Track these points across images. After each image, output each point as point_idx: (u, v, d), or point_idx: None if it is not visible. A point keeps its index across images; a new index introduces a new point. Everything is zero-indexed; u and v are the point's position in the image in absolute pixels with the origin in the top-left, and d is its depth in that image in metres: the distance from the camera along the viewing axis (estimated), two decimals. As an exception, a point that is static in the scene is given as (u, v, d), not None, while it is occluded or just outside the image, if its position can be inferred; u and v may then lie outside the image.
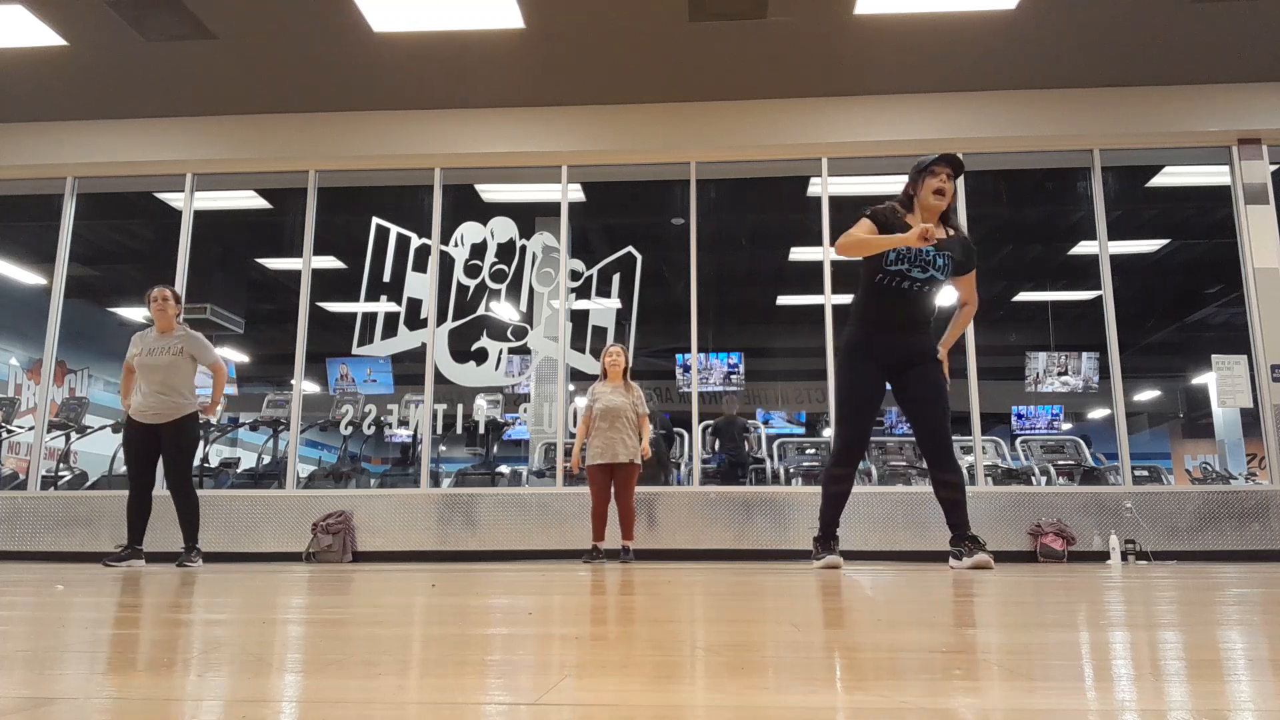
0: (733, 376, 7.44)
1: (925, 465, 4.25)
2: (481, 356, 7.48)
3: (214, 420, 5.34)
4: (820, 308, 7.19)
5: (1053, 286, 9.24)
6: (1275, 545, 6.33)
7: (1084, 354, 7.19)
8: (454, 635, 1.47)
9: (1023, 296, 9.55)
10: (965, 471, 4.72)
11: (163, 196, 7.93)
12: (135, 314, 9.65)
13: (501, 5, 6.02)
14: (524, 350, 7.52)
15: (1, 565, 5.56)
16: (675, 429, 8.39)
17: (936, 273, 4.02)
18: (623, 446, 5.94)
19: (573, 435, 7.14)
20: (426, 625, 1.66)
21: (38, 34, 6.32)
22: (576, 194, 7.71)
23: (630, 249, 7.55)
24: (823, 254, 7.29)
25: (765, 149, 7.35)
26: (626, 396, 6.05)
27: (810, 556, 4.47)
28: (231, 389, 7.68)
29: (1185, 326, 10.28)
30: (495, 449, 8.34)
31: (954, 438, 4.14)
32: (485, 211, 7.75)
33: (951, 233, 4.12)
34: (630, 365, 6.24)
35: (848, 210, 7.43)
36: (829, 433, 7.44)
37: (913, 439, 7.91)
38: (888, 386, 4.20)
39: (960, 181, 7.05)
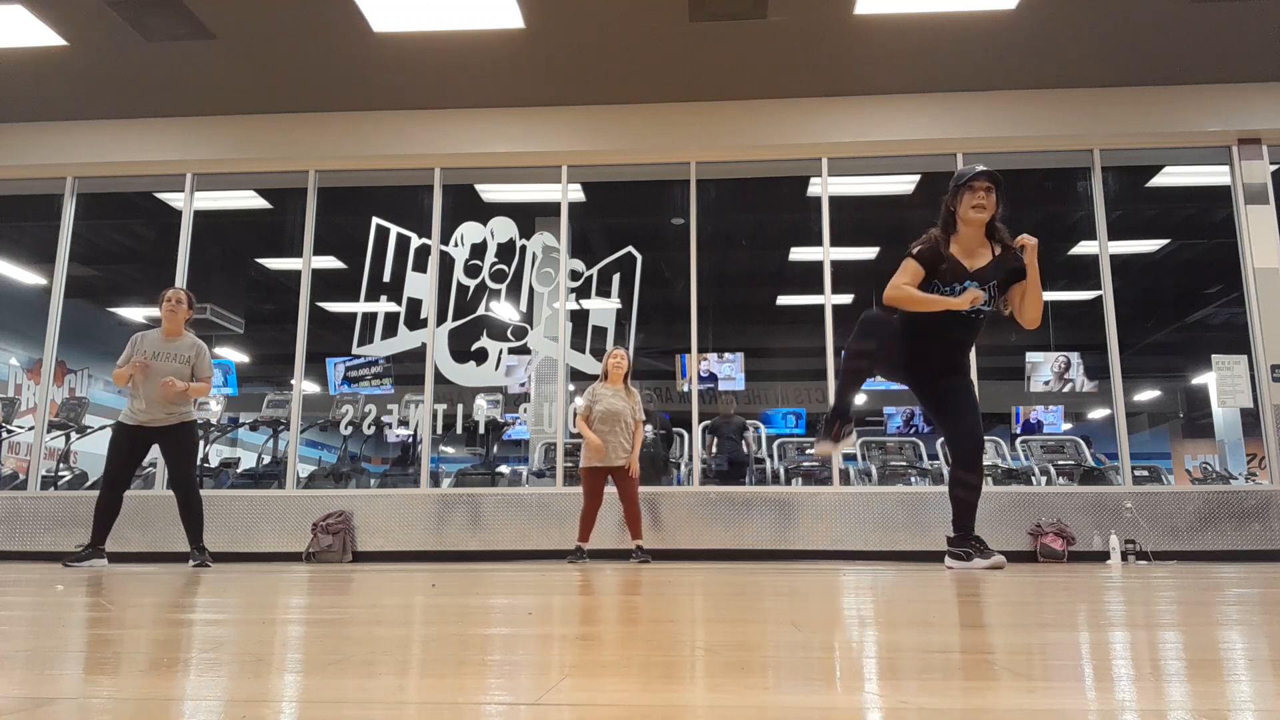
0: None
1: (950, 463, 4.24)
2: (481, 356, 7.48)
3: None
4: (820, 308, 7.19)
5: (1053, 286, 9.23)
6: (1275, 545, 6.32)
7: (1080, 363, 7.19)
8: (454, 635, 1.47)
9: (1023, 296, 9.53)
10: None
11: (163, 196, 7.93)
12: (135, 314, 9.65)
13: (501, 5, 6.02)
14: (524, 350, 7.52)
15: (1, 565, 5.55)
16: (675, 429, 8.38)
17: (983, 306, 3.97)
18: (620, 450, 5.95)
19: (573, 435, 7.13)
20: (426, 625, 1.66)
21: (38, 34, 6.32)
22: (576, 194, 7.70)
23: (630, 249, 7.55)
24: (823, 254, 7.29)
25: (765, 149, 7.35)
26: (626, 401, 6.06)
27: (816, 438, 4.32)
28: (230, 390, 7.68)
29: (1185, 326, 10.27)
30: (495, 449, 8.34)
31: None
32: (485, 211, 7.74)
33: (998, 250, 4.03)
34: (631, 370, 6.24)
35: (848, 210, 7.43)
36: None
37: (913, 439, 7.93)
38: (903, 386, 4.23)
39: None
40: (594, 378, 6.56)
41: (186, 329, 5.44)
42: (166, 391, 5.14)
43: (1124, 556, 6.18)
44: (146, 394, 5.22)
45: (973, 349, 4.23)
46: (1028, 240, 3.96)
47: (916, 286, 3.96)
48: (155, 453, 5.47)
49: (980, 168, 3.99)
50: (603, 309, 7.50)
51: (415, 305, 7.49)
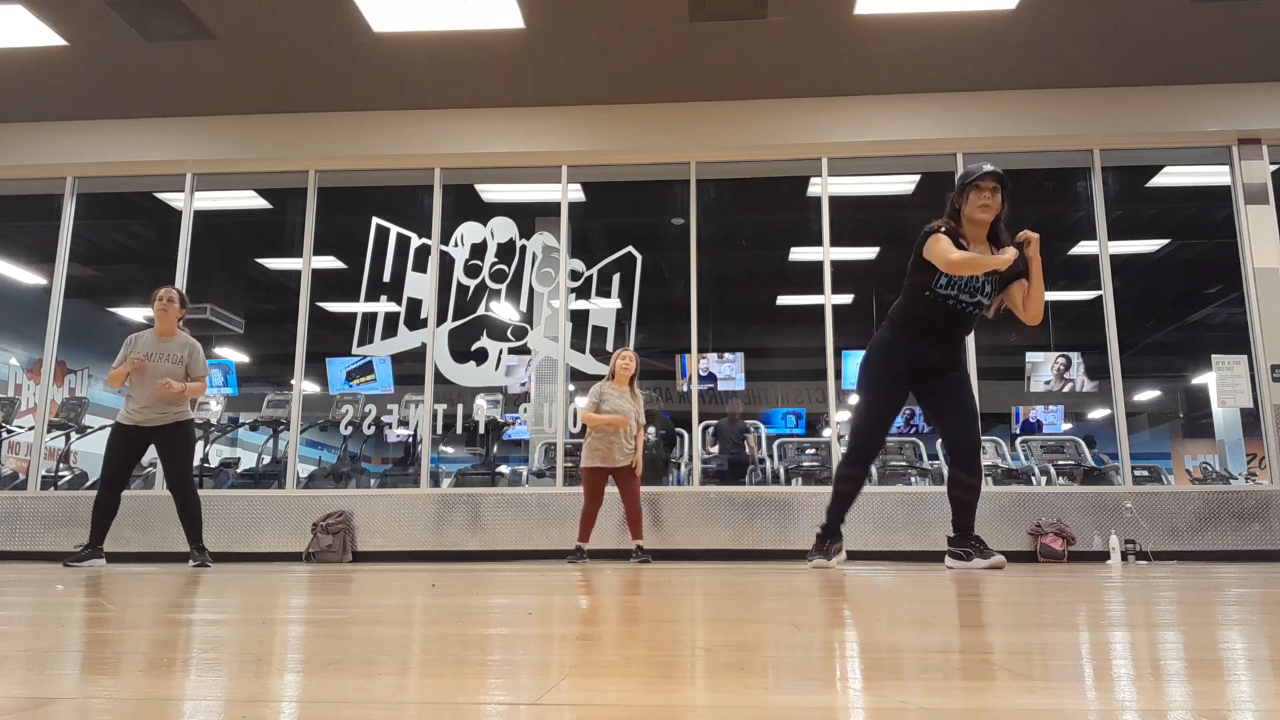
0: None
1: (948, 463, 4.26)
2: (481, 356, 7.48)
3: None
4: (820, 308, 7.19)
5: (1053, 286, 9.23)
6: (1275, 545, 6.32)
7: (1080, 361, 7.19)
8: (454, 635, 1.47)
9: (1023, 296, 9.53)
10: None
11: (163, 196, 7.93)
12: (135, 314, 9.64)
13: (501, 5, 6.02)
14: (524, 350, 7.52)
15: (1, 565, 5.55)
16: (675, 429, 8.38)
17: (983, 298, 4.00)
18: (621, 451, 5.95)
19: (573, 435, 7.13)
20: (426, 625, 1.66)
21: (38, 34, 6.32)
22: (576, 194, 7.71)
23: (630, 249, 7.55)
24: (823, 254, 7.29)
25: (765, 149, 7.35)
26: (632, 404, 6.06)
27: (809, 554, 4.49)
28: (230, 390, 7.68)
29: (1185, 326, 10.27)
30: (495, 449, 8.34)
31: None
32: (485, 211, 7.74)
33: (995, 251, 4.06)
34: (638, 373, 6.23)
35: (848, 210, 7.43)
36: (828, 433, 7.43)
37: (913, 438, 7.92)
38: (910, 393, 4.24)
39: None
40: (594, 378, 6.55)
41: (180, 328, 5.42)
42: (163, 392, 5.14)
43: (1124, 556, 6.18)
44: (141, 394, 5.21)
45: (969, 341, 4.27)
46: (1030, 235, 3.98)
47: (923, 275, 3.99)
48: (154, 452, 5.46)
49: (988, 167, 4.00)
50: (603, 309, 7.49)
51: (415, 305, 7.49)
